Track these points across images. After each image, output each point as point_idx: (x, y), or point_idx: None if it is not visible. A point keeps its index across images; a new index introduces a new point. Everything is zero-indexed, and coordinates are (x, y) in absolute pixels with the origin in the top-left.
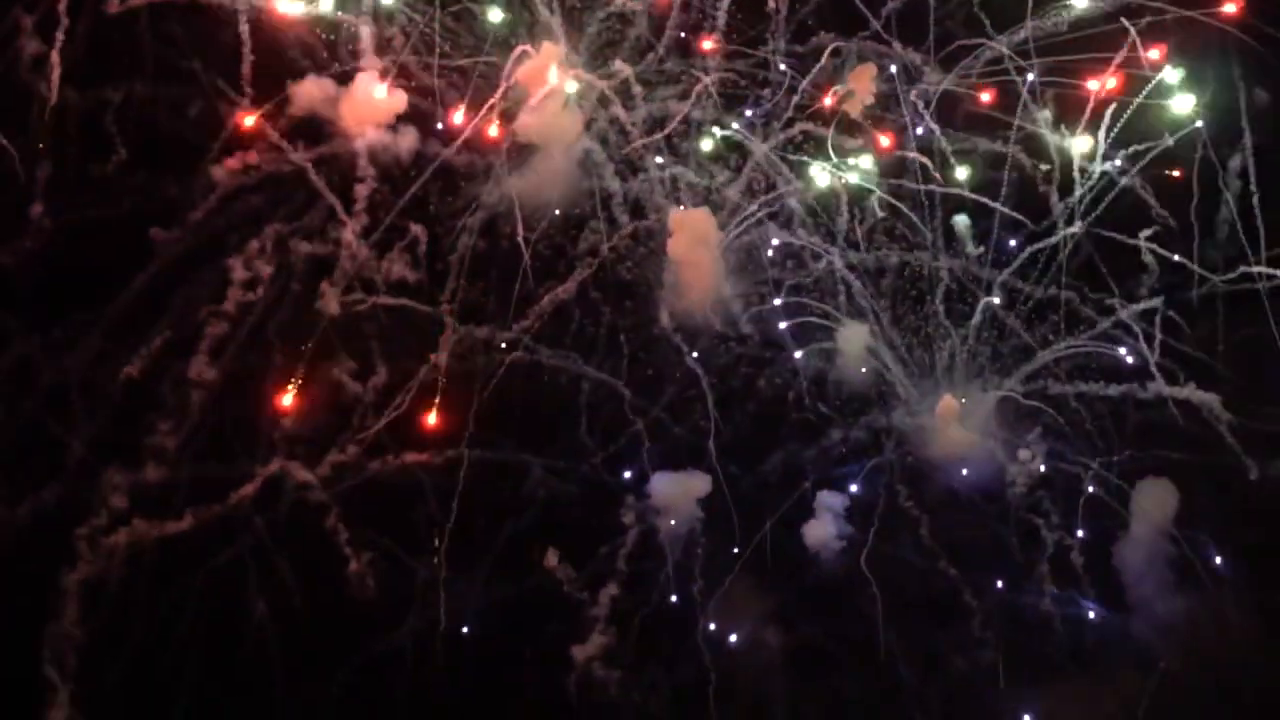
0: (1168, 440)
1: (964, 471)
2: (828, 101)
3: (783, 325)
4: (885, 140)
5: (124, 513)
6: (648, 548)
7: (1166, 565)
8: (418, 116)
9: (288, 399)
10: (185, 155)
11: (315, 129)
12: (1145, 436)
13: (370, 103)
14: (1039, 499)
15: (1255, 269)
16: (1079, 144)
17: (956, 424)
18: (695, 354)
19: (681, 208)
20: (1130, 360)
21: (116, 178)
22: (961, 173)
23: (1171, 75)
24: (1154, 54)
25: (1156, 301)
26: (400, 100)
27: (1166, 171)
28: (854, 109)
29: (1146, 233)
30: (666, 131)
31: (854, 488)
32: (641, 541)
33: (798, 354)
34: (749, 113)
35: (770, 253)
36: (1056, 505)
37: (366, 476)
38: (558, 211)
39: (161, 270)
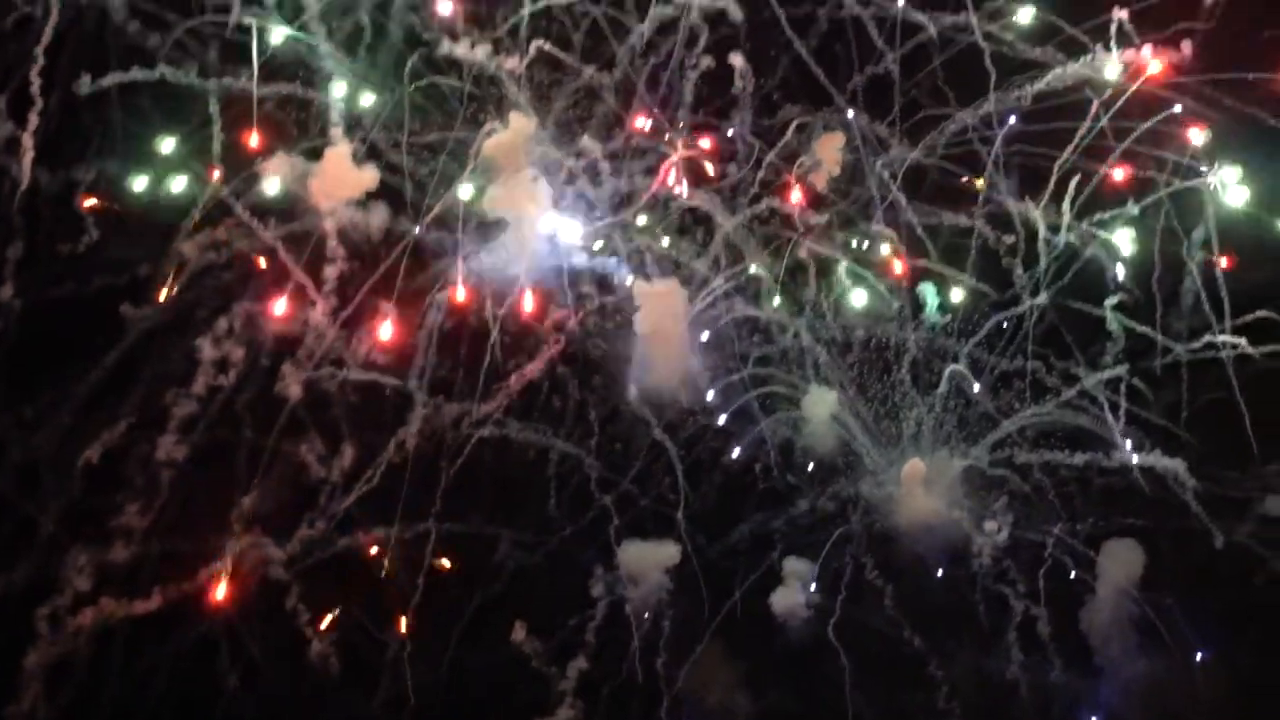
0: (1134, 506)
1: (930, 540)
2: (795, 196)
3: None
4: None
5: (89, 593)
6: (617, 619)
7: (1133, 628)
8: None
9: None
10: (156, 233)
11: (286, 206)
12: (1111, 502)
13: (341, 179)
14: (1006, 568)
15: (1220, 338)
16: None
17: (922, 489)
18: (663, 426)
19: (649, 281)
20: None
21: (87, 257)
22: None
23: (1230, 174)
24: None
25: (1121, 370)
26: (371, 176)
27: (1214, 258)
28: (820, 181)
29: (1111, 301)
30: (634, 210)
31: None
32: (610, 613)
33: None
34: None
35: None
36: (1023, 572)
37: (334, 551)
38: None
39: (132, 348)
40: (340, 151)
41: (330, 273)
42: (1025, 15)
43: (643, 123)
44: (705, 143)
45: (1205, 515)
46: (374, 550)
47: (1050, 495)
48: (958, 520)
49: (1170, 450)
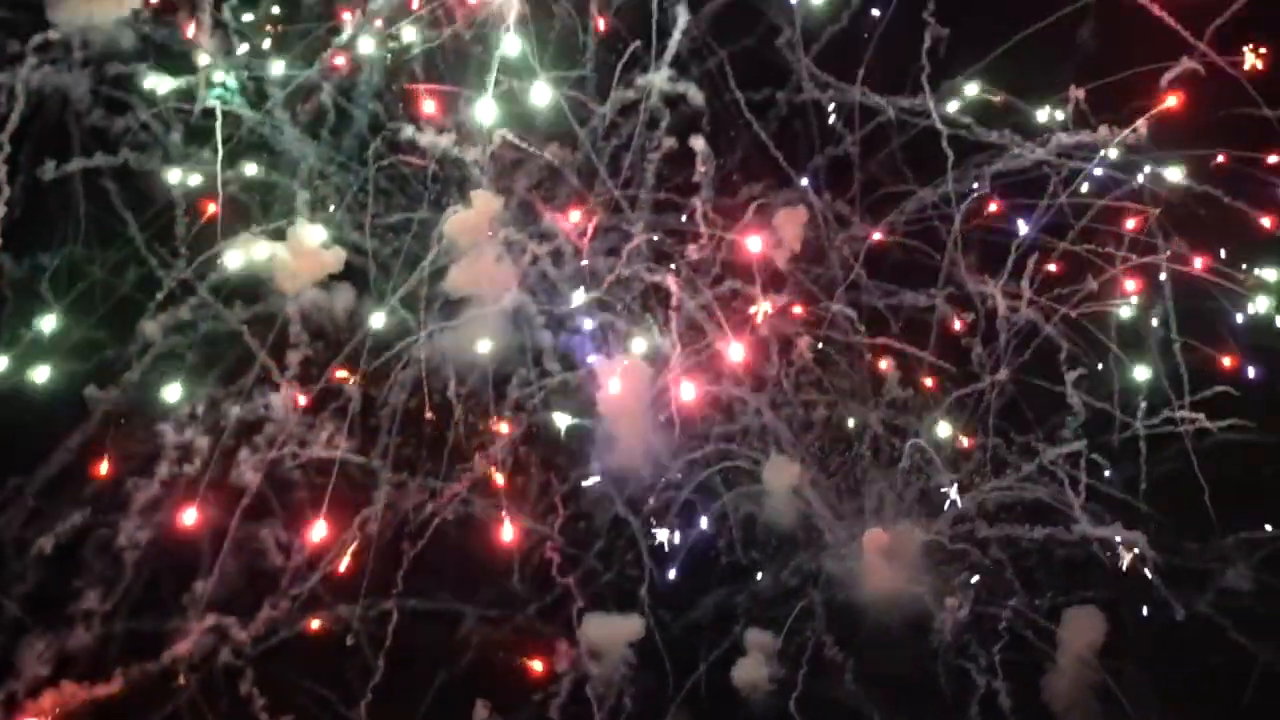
0: (1095, 578)
1: (892, 613)
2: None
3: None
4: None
5: (48, 678)
6: (579, 695)
7: (1095, 696)
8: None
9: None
10: (121, 316)
11: (250, 287)
12: (1072, 574)
13: (305, 260)
14: (967, 641)
15: (1178, 414)
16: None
17: (884, 560)
18: (626, 502)
19: (610, 359)
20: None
21: (52, 341)
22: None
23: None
24: None
25: (1080, 445)
26: (337, 257)
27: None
28: (780, 259)
29: (1072, 376)
30: (598, 294)
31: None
32: (574, 689)
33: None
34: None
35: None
36: (984, 646)
37: (297, 631)
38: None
39: (96, 430)
40: (304, 233)
41: (294, 358)
42: (980, 96)
43: (576, 216)
44: None
45: (1165, 588)
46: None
47: (1009, 571)
48: (919, 594)
49: (1130, 523)
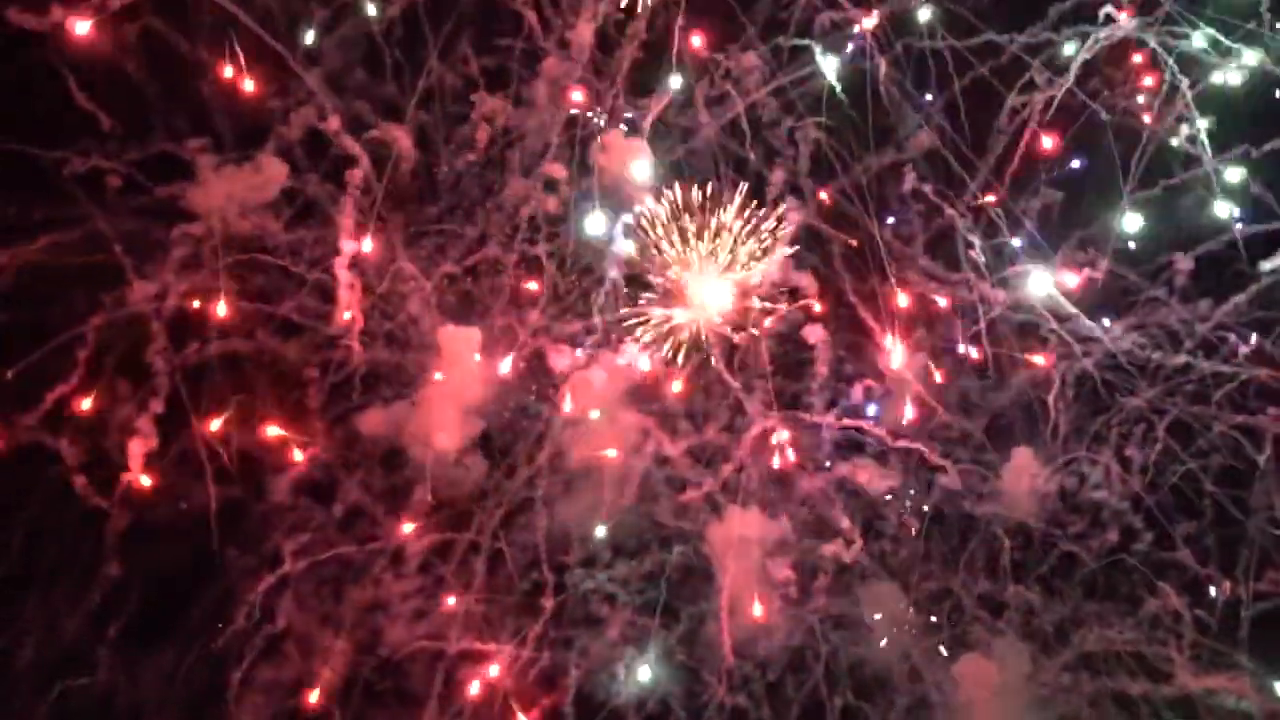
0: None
1: None
2: None
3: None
4: None
5: None
6: None
7: None
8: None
9: None
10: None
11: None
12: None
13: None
14: None
15: None
16: None
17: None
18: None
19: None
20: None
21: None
22: None
23: None
24: None
25: (1181, 604)
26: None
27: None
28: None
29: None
30: (719, 484)
31: None
32: None
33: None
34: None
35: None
36: None
37: None
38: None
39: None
40: (435, 395)
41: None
42: None
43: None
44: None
45: None
46: None
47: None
48: None
49: (1232, 671)
